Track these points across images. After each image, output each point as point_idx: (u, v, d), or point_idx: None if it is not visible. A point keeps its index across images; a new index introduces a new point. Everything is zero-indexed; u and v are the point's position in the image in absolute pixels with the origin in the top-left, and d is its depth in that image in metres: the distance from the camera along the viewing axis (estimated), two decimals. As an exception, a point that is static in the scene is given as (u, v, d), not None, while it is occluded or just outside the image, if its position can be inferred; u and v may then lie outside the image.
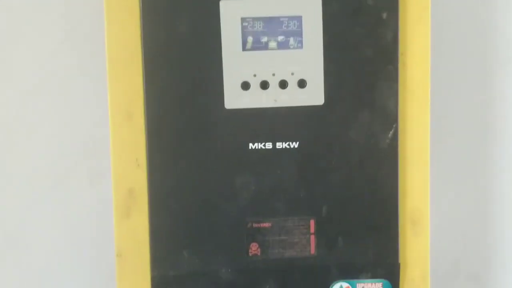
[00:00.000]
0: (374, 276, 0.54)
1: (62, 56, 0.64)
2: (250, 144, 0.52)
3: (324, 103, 0.52)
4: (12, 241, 0.67)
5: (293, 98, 0.52)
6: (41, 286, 0.69)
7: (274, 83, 0.52)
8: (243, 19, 0.51)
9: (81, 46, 0.64)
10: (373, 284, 0.54)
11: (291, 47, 0.52)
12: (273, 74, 0.52)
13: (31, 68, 0.65)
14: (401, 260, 0.55)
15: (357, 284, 0.54)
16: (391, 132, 0.53)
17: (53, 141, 0.67)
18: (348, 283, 0.54)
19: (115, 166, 0.52)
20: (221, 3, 0.50)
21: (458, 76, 0.71)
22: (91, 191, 0.67)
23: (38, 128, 0.67)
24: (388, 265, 0.54)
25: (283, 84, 0.52)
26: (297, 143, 0.52)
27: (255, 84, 0.52)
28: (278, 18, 0.51)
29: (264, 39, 0.51)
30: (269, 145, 0.52)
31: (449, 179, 0.72)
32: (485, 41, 0.70)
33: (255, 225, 0.53)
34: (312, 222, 0.53)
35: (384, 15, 0.52)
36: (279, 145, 0.52)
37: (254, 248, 0.53)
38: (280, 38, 0.51)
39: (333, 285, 0.54)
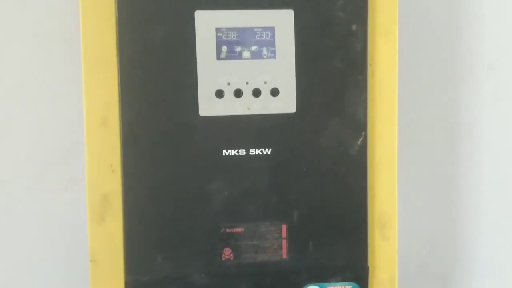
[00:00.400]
0: (343, 279, 0.56)
1: (37, 60, 0.64)
2: (224, 151, 0.53)
3: (296, 111, 0.54)
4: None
5: (266, 106, 0.53)
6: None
7: (247, 92, 0.53)
8: (217, 29, 0.52)
9: (57, 51, 0.64)
10: (343, 287, 0.56)
11: (264, 57, 0.53)
12: (247, 83, 0.53)
13: (5, 72, 0.64)
14: (370, 263, 0.57)
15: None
16: (360, 140, 0.55)
17: (27, 146, 0.67)
18: (319, 286, 0.56)
19: (90, 172, 0.53)
20: (196, 13, 0.52)
21: (426, 83, 0.73)
22: (65, 196, 0.67)
23: (12, 133, 0.66)
24: (357, 268, 0.56)
25: (256, 93, 0.53)
26: (270, 149, 0.54)
27: (229, 92, 0.53)
28: (252, 28, 0.53)
29: (238, 48, 0.53)
30: (242, 152, 0.53)
31: (416, 183, 0.74)
32: (451, 49, 0.73)
33: (228, 230, 0.54)
34: (284, 227, 0.55)
35: (354, 27, 0.54)
36: (252, 151, 0.54)
37: (227, 253, 0.54)
38: (254, 48, 0.53)
39: (304, 288, 0.56)
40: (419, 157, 0.74)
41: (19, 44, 0.64)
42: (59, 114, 0.65)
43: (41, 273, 0.68)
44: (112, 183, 0.53)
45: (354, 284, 0.56)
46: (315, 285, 0.56)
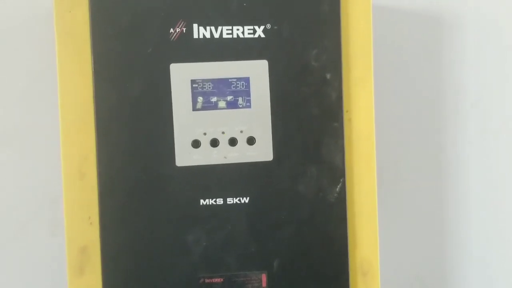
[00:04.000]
0: (326, 328, 0.55)
1: (20, 114, 0.66)
2: (201, 200, 0.53)
3: (273, 159, 0.54)
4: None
5: (242, 155, 0.54)
6: None
7: (224, 141, 0.54)
8: (193, 81, 0.53)
9: (37, 106, 0.65)
10: (326, 336, 0.55)
11: (240, 106, 0.54)
12: (223, 132, 0.54)
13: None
14: (352, 312, 0.56)
15: (310, 337, 0.55)
16: (338, 186, 0.55)
17: (15, 193, 0.67)
18: (301, 336, 0.55)
19: (68, 224, 0.53)
20: (171, 66, 0.53)
21: (411, 123, 0.74)
22: (52, 241, 0.67)
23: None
24: (339, 317, 0.55)
25: (232, 142, 0.54)
26: (248, 198, 0.54)
27: (205, 142, 0.53)
28: (227, 79, 0.53)
29: (214, 99, 0.53)
30: (220, 201, 0.54)
31: (406, 223, 0.74)
32: (435, 90, 0.74)
33: (207, 280, 0.53)
34: (264, 276, 0.54)
35: (328, 76, 0.55)
36: (229, 200, 0.54)
37: (206, 304, 0.53)
38: (229, 98, 0.54)
39: (286, 339, 0.55)
40: (408, 197, 0.74)
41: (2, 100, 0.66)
42: (43, 165, 0.65)
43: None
44: (91, 236, 0.53)
45: (337, 333, 0.55)
46: (297, 335, 0.55)
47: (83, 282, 0.53)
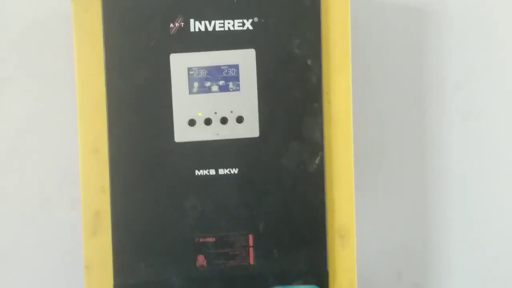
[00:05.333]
0: (306, 282, 0.63)
1: (46, 103, 0.76)
2: (197, 171, 0.62)
3: (259, 135, 0.62)
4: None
5: (232, 132, 0.62)
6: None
7: (216, 120, 0.62)
8: (189, 68, 0.61)
9: (59, 95, 0.75)
10: (306, 290, 0.63)
11: (231, 90, 0.62)
12: (215, 113, 0.62)
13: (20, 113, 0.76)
14: (330, 270, 0.64)
15: (292, 291, 0.63)
16: (317, 159, 0.63)
17: (42, 174, 0.78)
18: (284, 289, 0.63)
19: (84, 192, 0.62)
20: (171, 56, 0.61)
21: (397, 103, 0.81)
22: (72, 213, 0.77)
23: (28, 161, 0.78)
24: (318, 273, 0.63)
25: (223, 121, 0.62)
26: (237, 169, 0.62)
27: (200, 121, 0.62)
28: (219, 66, 0.62)
29: (208, 84, 0.62)
30: (212, 172, 0.62)
31: (391, 196, 0.81)
32: (416, 75, 0.80)
33: (201, 240, 0.62)
34: (250, 237, 0.62)
35: (309, 62, 0.62)
36: (221, 171, 0.62)
37: (201, 260, 0.62)
38: (221, 82, 0.62)
39: (270, 292, 0.63)
40: (394, 171, 0.81)
41: (31, 83, 0.76)
42: (64, 144, 0.75)
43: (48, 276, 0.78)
44: (103, 202, 0.62)
45: (316, 287, 0.63)
46: (280, 287, 0.63)
47: (96, 242, 0.62)
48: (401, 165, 0.81)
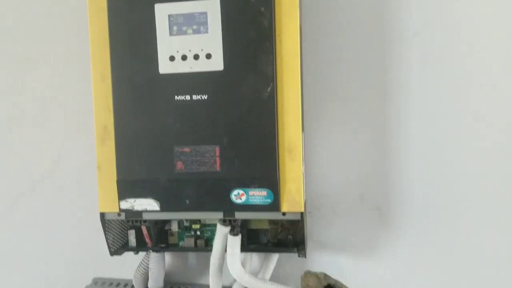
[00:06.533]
0: (260, 186, 0.80)
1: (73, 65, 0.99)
2: (176, 96, 0.80)
3: (223, 69, 0.79)
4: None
5: (203, 66, 0.79)
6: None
7: (190, 56, 0.79)
8: (170, 15, 0.79)
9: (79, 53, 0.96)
10: (260, 191, 0.80)
11: (201, 32, 0.79)
12: (190, 50, 0.79)
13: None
14: (281, 178, 0.79)
15: (249, 191, 0.80)
16: (269, 88, 0.78)
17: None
18: (243, 190, 0.80)
19: (96, 111, 0.83)
20: (155, 5, 0.79)
21: (358, 49, 0.92)
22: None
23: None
24: (270, 179, 0.79)
25: (196, 57, 0.79)
26: (206, 95, 0.79)
27: (178, 57, 0.79)
28: (192, 13, 0.78)
29: (184, 27, 0.79)
30: (188, 97, 0.80)
31: (352, 130, 0.94)
32: (375, 21, 0.91)
33: (180, 149, 0.81)
34: (217, 149, 0.80)
35: (262, 9, 0.77)
36: (194, 97, 0.80)
37: (179, 165, 0.81)
38: (194, 26, 0.79)
39: (232, 191, 0.81)
40: (358, 106, 0.94)
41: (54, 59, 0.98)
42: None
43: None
44: (109, 118, 0.83)
45: (268, 190, 0.80)
46: (240, 189, 0.80)
47: (105, 149, 0.83)
48: (364, 101, 0.93)
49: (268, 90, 0.78)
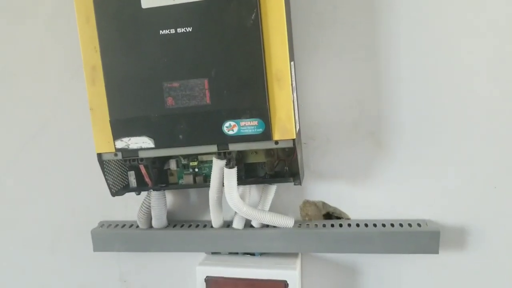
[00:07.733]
0: (251, 116, 0.80)
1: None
2: (161, 31, 0.80)
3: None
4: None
5: (186, -2, 0.78)
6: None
7: (172, -10, 0.78)
8: None
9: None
10: (251, 121, 0.81)
11: (181, -38, 0.77)
12: (171, -17, 0.78)
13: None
14: (271, 106, 0.80)
15: (240, 122, 0.81)
16: (253, 15, 0.77)
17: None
18: (234, 121, 0.81)
19: (84, 52, 0.83)
20: None
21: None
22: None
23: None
24: (260, 109, 0.80)
25: (178, -9, 0.78)
26: (191, 28, 0.79)
27: (160, -8, 0.79)
28: None
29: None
30: (172, 31, 0.79)
31: (343, 56, 0.93)
32: None
33: (169, 85, 0.81)
34: (206, 82, 0.80)
35: None
36: (179, 30, 0.79)
37: (169, 101, 0.82)
38: (173, -43, 0.77)
39: (224, 123, 0.81)
40: (349, 34, 0.92)
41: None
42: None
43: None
44: (96, 59, 0.83)
45: (259, 119, 0.80)
46: (231, 120, 0.81)
47: (95, 89, 0.84)
48: (354, 28, 0.92)
49: (252, 17, 0.77)
